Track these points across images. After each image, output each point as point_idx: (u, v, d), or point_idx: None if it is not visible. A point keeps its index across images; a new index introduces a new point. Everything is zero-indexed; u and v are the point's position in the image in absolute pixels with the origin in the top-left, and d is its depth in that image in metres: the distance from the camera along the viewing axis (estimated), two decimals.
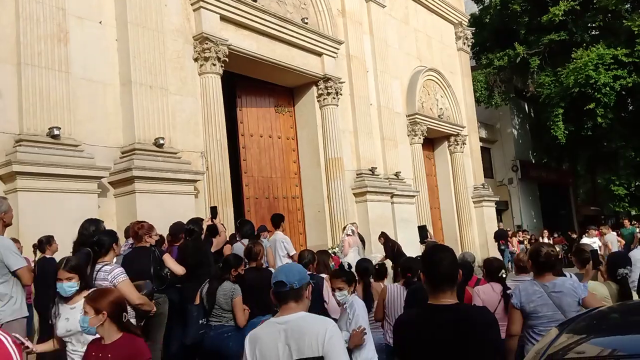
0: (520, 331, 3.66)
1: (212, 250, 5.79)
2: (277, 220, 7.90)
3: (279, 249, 7.47)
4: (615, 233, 13.58)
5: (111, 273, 4.30)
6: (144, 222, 5.50)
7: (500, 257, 14.43)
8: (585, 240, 13.14)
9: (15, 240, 5.86)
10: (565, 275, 3.92)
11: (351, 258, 8.73)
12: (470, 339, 2.32)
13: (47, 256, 5.98)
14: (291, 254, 7.62)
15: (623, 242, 13.25)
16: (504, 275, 4.68)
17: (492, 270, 4.79)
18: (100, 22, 7.86)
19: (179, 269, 5.26)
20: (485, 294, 4.58)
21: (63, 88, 7.03)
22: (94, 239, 4.54)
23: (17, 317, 4.16)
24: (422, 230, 12.66)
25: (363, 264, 5.56)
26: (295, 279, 2.46)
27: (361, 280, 5.35)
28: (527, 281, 3.88)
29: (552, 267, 3.74)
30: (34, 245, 6.04)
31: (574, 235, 21.75)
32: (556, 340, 2.23)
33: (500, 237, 17.33)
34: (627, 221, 17.50)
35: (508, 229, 20.81)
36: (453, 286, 2.50)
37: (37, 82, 6.77)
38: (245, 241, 6.56)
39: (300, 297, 2.49)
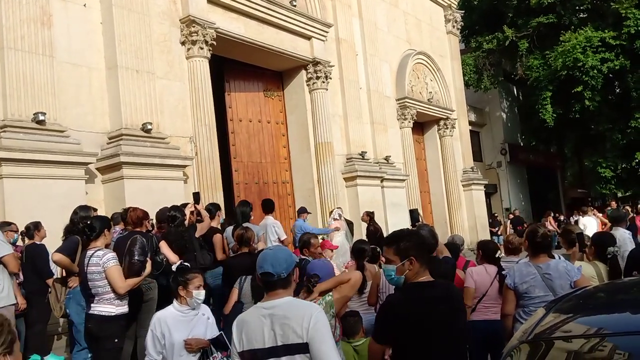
0: (514, 311, 3.74)
1: (197, 235, 5.76)
2: (268, 205, 7.89)
3: (270, 234, 7.48)
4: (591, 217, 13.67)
5: (103, 258, 4.29)
6: (139, 208, 5.49)
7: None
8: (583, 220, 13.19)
9: (8, 224, 5.81)
10: (553, 257, 3.97)
11: (338, 242, 8.77)
12: (456, 312, 2.53)
13: (37, 242, 5.94)
14: (282, 239, 7.63)
15: (609, 224, 13.37)
16: (499, 256, 4.72)
17: (489, 251, 4.82)
18: (84, 5, 7.71)
19: (174, 258, 5.23)
20: (479, 275, 4.62)
21: (47, 72, 6.91)
22: (86, 224, 4.51)
23: (4, 305, 4.13)
24: (414, 213, 12.69)
25: (358, 245, 5.54)
26: (282, 269, 2.40)
27: (355, 262, 5.33)
28: (522, 262, 3.94)
29: (548, 248, 3.81)
30: (21, 233, 5.99)
31: (562, 217, 22.00)
32: (543, 319, 2.25)
33: (518, 223, 17.63)
34: (614, 203, 17.70)
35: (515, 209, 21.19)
36: (429, 265, 2.69)
37: (20, 67, 6.64)
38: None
39: (288, 284, 2.45)
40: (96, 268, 4.28)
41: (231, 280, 5.35)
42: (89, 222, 4.52)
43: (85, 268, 4.32)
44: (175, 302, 3.67)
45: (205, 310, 3.76)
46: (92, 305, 4.35)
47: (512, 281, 3.73)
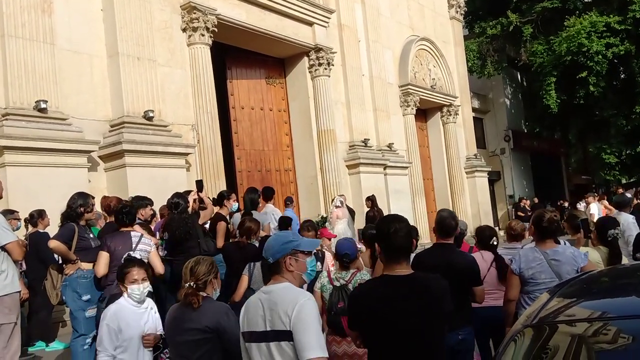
0: (517, 296, 3.71)
1: (200, 222, 5.77)
2: (269, 194, 7.90)
3: (271, 222, 7.48)
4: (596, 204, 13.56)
5: (150, 244, 4.68)
6: (115, 197, 5.63)
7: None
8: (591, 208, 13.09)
9: (11, 212, 5.83)
10: (559, 243, 3.95)
11: (340, 230, 8.73)
12: (426, 310, 2.37)
13: (40, 230, 5.96)
14: None
15: (613, 210, 13.31)
16: (494, 243, 4.68)
17: (484, 238, 4.79)
18: None
19: (153, 239, 5.26)
20: None
21: (49, 60, 6.89)
22: (123, 210, 4.74)
23: (9, 292, 4.14)
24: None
25: (369, 231, 5.51)
26: (269, 254, 2.41)
27: (368, 247, 5.29)
28: (528, 248, 3.90)
29: (554, 234, 3.76)
30: (25, 220, 6.01)
31: (566, 204, 21.96)
32: (547, 304, 2.24)
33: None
34: (621, 190, 17.62)
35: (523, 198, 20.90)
36: (407, 256, 2.52)
37: (21, 55, 6.63)
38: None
39: (279, 270, 2.40)
40: (144, 253, 4.57)
41: (227, 265, 5.39)
42: (127, 210, 4.74)
43: (134, 246, 4.54)
44: (125, 294, 3.54)
45: (151, 303, 3.65)
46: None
47: (517, 266, 3.69)
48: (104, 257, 4.52)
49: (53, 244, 4.68)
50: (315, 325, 2.24)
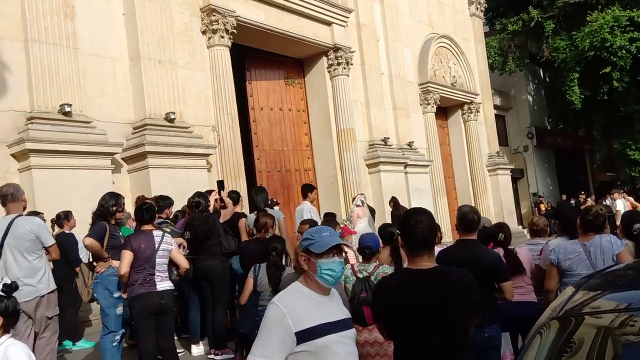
0: (556, 287, 3.80)
1: (221, 221, 5.82)
2: (305, 191, 7.98)
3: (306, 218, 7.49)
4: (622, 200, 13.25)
5: (171, 243, 4.81)
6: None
7: None
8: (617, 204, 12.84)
9: (36, 213, 5.97)
10: None
11: (361, 229, 8.71)
12: (448, 303, 2.31)
13: (66, 231, 6.07)
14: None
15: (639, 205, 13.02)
16: (501, 239, 4.66)
17: (494, 235, 4.81)
18: None
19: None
20: None
21: (72, 64, 7.02)
22: (144, 207, 4.82)
23: (53, 288, 4.48)
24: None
25: (388, 228, 5.49)
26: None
27: (388, 245, 5.26)
28: (570, 240, 3.97)
29: (597, 229, 3.78)
30: (52, 220, 6.13)
31: (589, 200, 21.53)
32: (573, 296, 2.21)
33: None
34: None
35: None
36: (430, 249, 2.46)
37: (45, 59, 6.76)
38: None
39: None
40: (167, 251, 4.70)
41: (243, 263, 5.43)
42: (147, 207, 4.84)
43: (157, 246, 4.61)
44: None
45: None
46: (157, 282, 4.60)
47: (555, 257, 3.81)
48: (127, 256, 4.52)
49: (88, 241, 4.77)
50: (263, 331, 2.17)
